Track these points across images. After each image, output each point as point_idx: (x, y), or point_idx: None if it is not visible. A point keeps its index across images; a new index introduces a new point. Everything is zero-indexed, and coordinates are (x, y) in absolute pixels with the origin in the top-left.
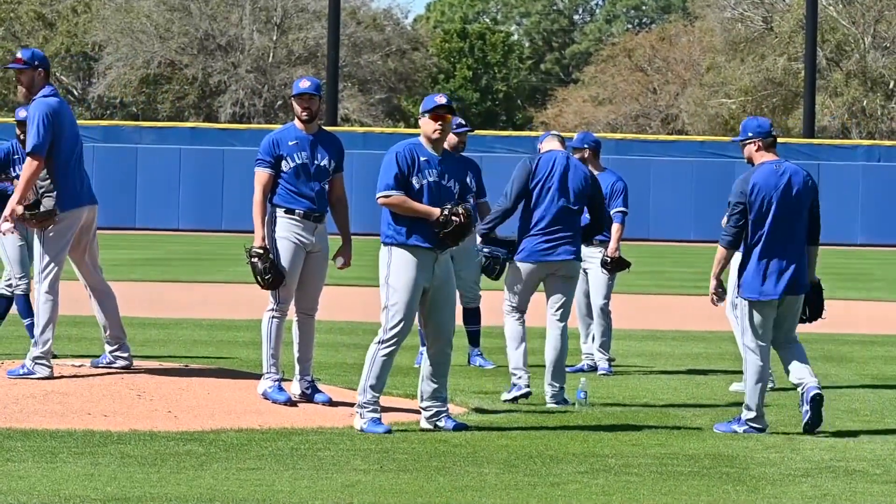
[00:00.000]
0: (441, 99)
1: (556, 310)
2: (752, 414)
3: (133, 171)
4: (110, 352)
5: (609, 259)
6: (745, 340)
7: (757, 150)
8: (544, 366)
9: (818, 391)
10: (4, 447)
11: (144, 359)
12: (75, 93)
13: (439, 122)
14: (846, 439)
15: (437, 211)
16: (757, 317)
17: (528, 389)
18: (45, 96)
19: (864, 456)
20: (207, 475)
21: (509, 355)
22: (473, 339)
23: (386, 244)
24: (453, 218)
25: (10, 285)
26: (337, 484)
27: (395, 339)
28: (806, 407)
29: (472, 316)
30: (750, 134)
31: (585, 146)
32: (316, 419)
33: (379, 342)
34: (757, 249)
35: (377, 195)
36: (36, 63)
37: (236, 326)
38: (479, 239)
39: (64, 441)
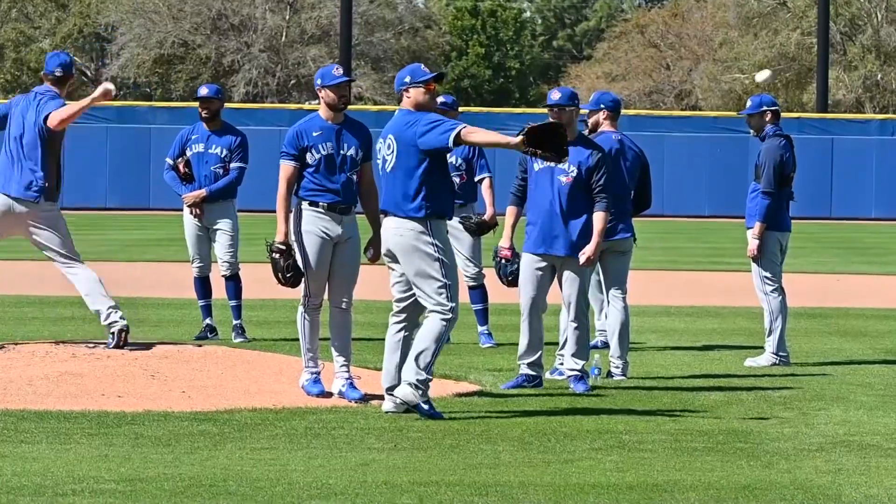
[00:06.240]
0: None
1: (616, 284)
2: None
3: (147, 152)
4: (105, 324)
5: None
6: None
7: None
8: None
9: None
10: (19, 429)
11: (159, 341)
12: (88, 73)
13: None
14: (860, 413)
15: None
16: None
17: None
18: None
19: (877, 430)
20: (221, 455)
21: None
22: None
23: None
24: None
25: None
26: (351, 462)
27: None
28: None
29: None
30: (602, 105)
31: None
32: (330, 398)
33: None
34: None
35: (458, 131)
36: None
37: (249, 306)
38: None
39: (78, 422)
